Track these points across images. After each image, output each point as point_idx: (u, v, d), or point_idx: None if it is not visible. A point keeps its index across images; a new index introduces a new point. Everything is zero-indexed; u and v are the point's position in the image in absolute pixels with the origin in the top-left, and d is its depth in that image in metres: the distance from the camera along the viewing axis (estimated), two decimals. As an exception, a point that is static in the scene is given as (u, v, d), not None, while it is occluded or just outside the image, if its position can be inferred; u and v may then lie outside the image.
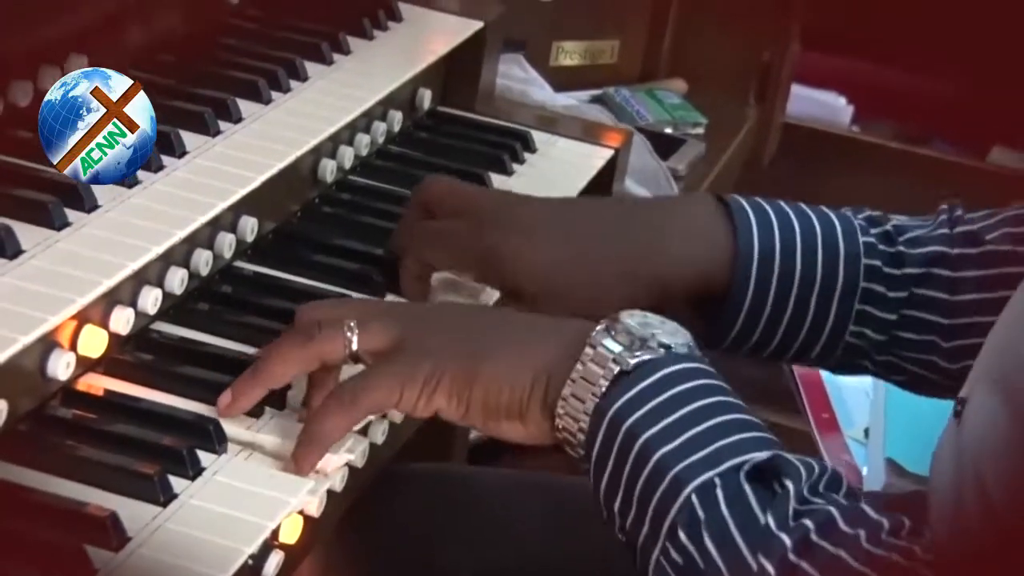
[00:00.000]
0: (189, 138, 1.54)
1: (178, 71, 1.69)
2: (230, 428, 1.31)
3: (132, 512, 1.19)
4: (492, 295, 1.56)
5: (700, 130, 2.40)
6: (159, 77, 1.65)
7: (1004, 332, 1.18)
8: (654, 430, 1.17)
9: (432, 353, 1.28)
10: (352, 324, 1.30)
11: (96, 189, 1.39)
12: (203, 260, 1.45)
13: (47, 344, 1.26)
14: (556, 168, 1.95)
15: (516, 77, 2.22)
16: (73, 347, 1.29)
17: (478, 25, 1.96)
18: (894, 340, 1.49)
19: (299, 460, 1.28)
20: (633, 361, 1.20)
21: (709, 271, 1.47)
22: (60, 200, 1.36)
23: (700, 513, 1.13)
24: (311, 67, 1.78)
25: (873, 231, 1.49)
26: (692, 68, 2.47)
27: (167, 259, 1.40)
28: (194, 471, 1.26)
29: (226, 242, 1.49)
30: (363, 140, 1.77)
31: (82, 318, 1.29)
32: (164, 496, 1.22)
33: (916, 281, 1.47)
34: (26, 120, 1.40)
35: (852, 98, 3.31)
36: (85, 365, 1.32)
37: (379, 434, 1.40)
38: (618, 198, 1.83)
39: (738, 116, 2.47)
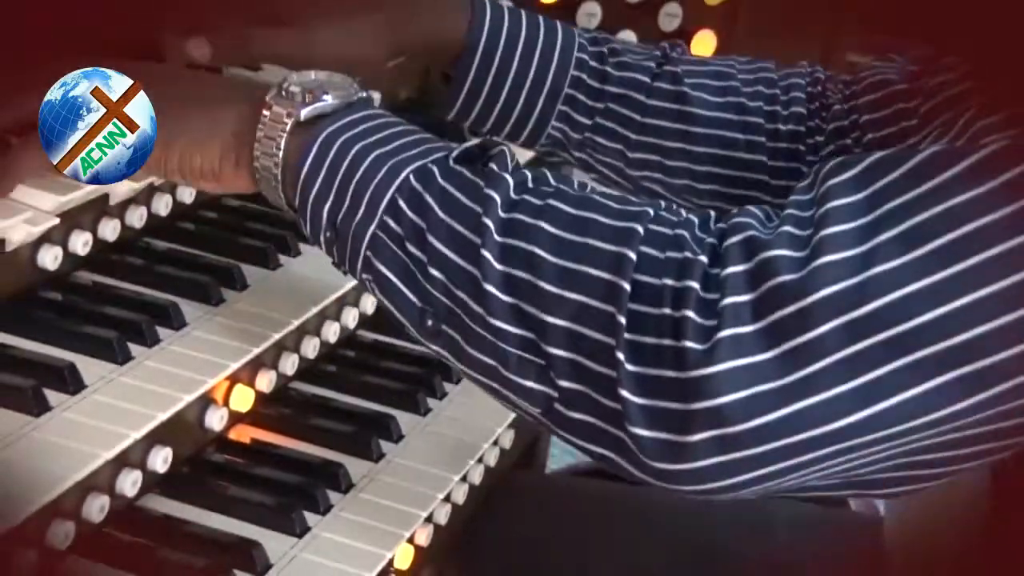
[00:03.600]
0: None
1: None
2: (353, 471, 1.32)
3: (273, 543, 1.20)
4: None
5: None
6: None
7: None
8: (368, 140, 1.10)
9: None
10: None
11: (245, 271, 1.39)
12: (332, 331, 1.44)
13: (205, 401, 1.26)
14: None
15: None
16: (226, 403, 1.29)
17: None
18: (587, 142, 1.49)
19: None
20: (304, 111, 1.12)
21: (448, 50, 1.46)
22: (217, 280, 1.36)
23: (419, 187, 1.07)
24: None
25: (591, 49, 1.49)
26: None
27: (302, 330, 1.39)
28: (324, 508, 1.26)
29: (351, 315, 1.48)
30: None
31: (233, 379, 1.29)
32: (300, 529, 1.22)
33: (613, 98, 1.47)
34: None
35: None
36: (235, 418, 1.32)
37: (476, 476, 1.40)
38: None
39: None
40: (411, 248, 1.07)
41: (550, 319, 1.01)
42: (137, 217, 1.36)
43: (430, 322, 1.08)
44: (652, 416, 0.97)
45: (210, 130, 1.16)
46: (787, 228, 0.98)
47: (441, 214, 1.06)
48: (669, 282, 0.98)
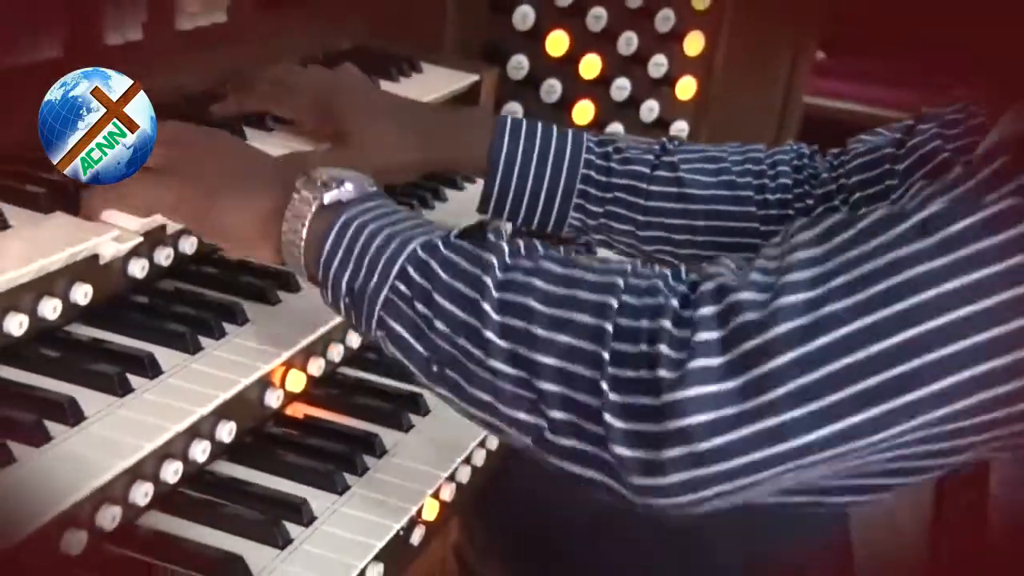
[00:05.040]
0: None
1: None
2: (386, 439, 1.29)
3: (318, 500, 1.17)
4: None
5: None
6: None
7: None
8: (380, 221, 1.08)
9: (178, 184, 1.15)
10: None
11: (299, 277, 1.35)
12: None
13: (264, 383, 1.24)
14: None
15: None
16: (282, 385, 1.26)
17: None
18: (603, 226, 1.47)
19: (82, 209, 1.16)
20: (327, 197, 1.10)
21: (473, 166, 1.46)
22: (276, 283, 1.33)
23: (425, 256, 1.05)
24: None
25: (598, 150, 1.46)
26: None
27: (347, 324, 1.34)
28: (362, 470, 1.23)
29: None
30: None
31: (288, 365, 1.26)
32: (341, 488, 1.20)
33: (620, 188, 1.45)
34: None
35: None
36: (290, 397, 1.29)
37: (493, 442, 1.37)
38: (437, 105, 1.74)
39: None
40: (419, 307, 1.05)
41: (542, 358, 0.99)
42: (211, 234, 1.35)
43: (435, 368, 1.05)
44: (632, 438, 0.95)
45: (247, 199, 1.14)
46: (753, 275, 0.95)
47: (445, 277, 1.04)
48: (645, 323, 0.96)
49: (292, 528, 1.12)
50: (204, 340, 1.21)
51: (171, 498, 1.12)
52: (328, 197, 1.10)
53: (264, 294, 1.31)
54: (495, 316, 1.00)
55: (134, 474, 1.06)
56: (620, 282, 0.99)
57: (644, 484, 0.95)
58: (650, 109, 2.25)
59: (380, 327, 1.07)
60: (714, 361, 0.92)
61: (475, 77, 1.90)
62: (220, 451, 1.18)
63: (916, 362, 0.89)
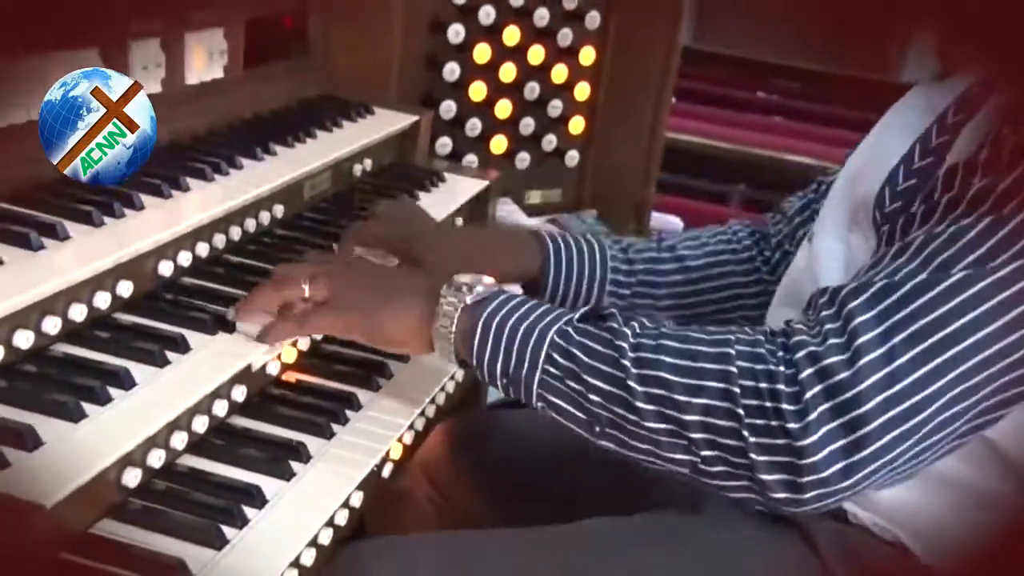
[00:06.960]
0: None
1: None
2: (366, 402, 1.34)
3: (312, 443, 1.21)
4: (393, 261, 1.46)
5: (603, 235, 2.39)
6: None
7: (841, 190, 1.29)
8: (515, 316, 1.13)
9: (347, 311, 1.20)
10: (306, 280, 1.22)
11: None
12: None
13: (267, 356, 1.28)
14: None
15: (506, 209, 2.24)
16: (279, 357, 1.30)
17: (485, 183, 1.95)
18: (630, 304, 1.53)
19: (264, 338, 1.22)
20: (469, 299, 1.15)
21: (529, 274, 1.49)
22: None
23: (562, 342, 1.10)
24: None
25: (617, 248, 1.52)
26: (600, 203, 2.48)
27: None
28: (344, 420, 1.27)
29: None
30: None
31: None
32: (329, 434, 1.24)
33: (643, 272, 1.51)
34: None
35: (683, 219, 3.32)
36: (285, 367, 1.33)
37: (441, 398, 1.42)
38: (484, 229, 1.79)
39: (625, 227, 2.48)
40: (571, 383, 1.11)
41: (687, 417, 1.06)
42: (220, 241, 1.39)
43: (597, 429, 1.11)
44: (773, 467, 1.04)
45: (400, 312, 1.20)
46: (832, 340, 1.03)
47: (586, 359, 1.10)
48: (764, 385, 1.04)
49: (294, 465, 1.17)
50: (220, 327, 1.25)
51: (200, 444, 1.16)
52: (470, 299, 1.16)
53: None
54: (639, 388, 1.07)
55: (173, 426, 1.11)
56: (731, 351, 1.06)
57: (784, 498, 1.05)
58: (549, 142, 2.33)
59: (540, 400, 1.13)
60: (823, 407, 1.02)
61: (415, 118, 1.96)
62: (235, 408, 1.23)
63: (961, 387, 1.02)
